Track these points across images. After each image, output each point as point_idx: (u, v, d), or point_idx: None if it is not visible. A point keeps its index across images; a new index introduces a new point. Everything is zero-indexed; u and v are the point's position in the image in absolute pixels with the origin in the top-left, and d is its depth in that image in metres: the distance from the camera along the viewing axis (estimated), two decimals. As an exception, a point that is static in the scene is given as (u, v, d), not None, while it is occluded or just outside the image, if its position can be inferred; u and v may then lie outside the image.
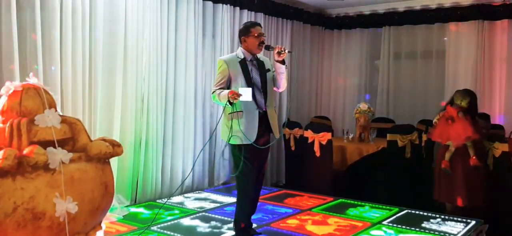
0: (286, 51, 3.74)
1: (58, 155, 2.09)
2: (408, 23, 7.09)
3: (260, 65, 3.85)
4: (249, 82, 3.73)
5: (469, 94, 4.78)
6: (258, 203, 4.05)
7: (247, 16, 6.19)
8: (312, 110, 7.63)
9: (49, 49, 4.18)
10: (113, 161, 4.36)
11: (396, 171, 5.65)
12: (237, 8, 6.07)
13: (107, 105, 4.72)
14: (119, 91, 4.77)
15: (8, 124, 2.16)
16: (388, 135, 5.71)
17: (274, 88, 3.93)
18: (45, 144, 2.12)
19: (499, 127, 6.04)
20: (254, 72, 3.80)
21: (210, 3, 5.73)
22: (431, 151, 5.89)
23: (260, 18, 6.44)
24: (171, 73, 5.31)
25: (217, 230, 4.16)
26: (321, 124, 6.46)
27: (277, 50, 3.73)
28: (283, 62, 3.78)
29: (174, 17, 5.30)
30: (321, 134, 5.84)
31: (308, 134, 5.98)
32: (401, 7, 7.11)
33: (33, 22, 4.04)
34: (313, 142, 5.89)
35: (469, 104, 4.72)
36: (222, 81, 3.74)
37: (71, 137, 2.26)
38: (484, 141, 4.96)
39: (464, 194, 4.69)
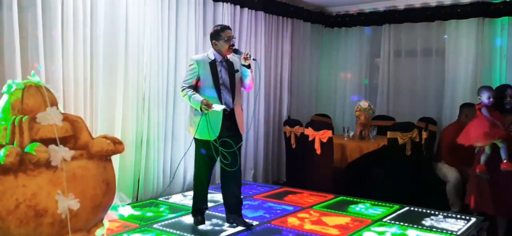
0: (252, 58, 4.00)
1: (60, 153, 2.10)
2: (408, 21, 7.09)
3: (230, 66, 4.09)
4: (217, 83, 3.98)
5: (489, 89, 4.37)
6: (258, 201, 4.05)
7: (247, 14, 6.20)
8: (312, 108, 7.64)
9: (51, 48, 4.20)
10: (115, 159, 4.36)
11: (397, 168, 5.65)
12: (238, 7, 6.08)
13: (108, 103, 4.73)
14: (120, 89, 4.79)
15: (10, 122, 2.17)
16: (388, 132, 5.71)
17: (241, 88, 4.17)
18: (47, 141, 2.13)
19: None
20: (223, 72, 4.05)
21: (211, 1, 5.74)
22: (431, 149, 5.90)
23: (261, 16, 6.44)
24: (171, 72, 5.32)
25: (218, 228, 4.18)
26: (321, 122, 6.46)
27: (243, 56, 4.00)
28: (248, 66, 4.04)
29: (175, 16, 5.31)
30: (322, 132, 5.85)
31: (309, 132, 5.99)
32: (401, 5, 7.11)
33: (35, 21, 4.06)
34: (313, 140, 5.90)
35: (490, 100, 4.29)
36: (192, 79, 4.00)
37: (73, 134, 2.28)
38: None
39: (492, 203, 4.29)
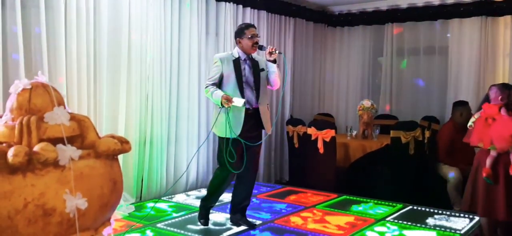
0: (277, 51, 3.99)
1: (68, 152, 2.10)
2: (411, 20, 7.09)
3: (254, 64, 4.05)
4: (240, 81, 3.94)
5: (509, 88, 4.11)
6: (260, 200, 4.04)
7: (249, 14, 6.20)
8: (315, 107, 7.64)
9: (54, 48, 4.21)
10: (118, 159, 4.39)
11: (400, 167, 5.65)
12: (240, 6, 6.08)
13: (111, 103, 4.74)
14: (124, 89, 4.80)
15: (17, 122, 2.17)
16: (391, 131, 5.71)
17: (268, 87, 4.13)
18: (55, 141, 2.13)
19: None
20: (247, 71, 4.00)
21: (213, 1, 5.75)
22: (435, 148, 5.90)
23: (263, 16, 6.45)
24: (174, 71, 5.33)
25: (221, 227, 4.18)
26: (324, 121, 6.47)
27: (268, 50, 3.99)
28: (274, 61, 4.02)
29: (178, 16, 5.32)
30: (325, 131, 5.85)
31: (312, 131, 5.99)
32: (404, 4, 7.10)
33: (38, 21, 4.07)
34: (316, 139, 5.91)
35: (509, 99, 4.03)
36: (215, 77, 3.96)
37: (80, 134, 2.27)
38: None
39: (504, 208, 3.98)
